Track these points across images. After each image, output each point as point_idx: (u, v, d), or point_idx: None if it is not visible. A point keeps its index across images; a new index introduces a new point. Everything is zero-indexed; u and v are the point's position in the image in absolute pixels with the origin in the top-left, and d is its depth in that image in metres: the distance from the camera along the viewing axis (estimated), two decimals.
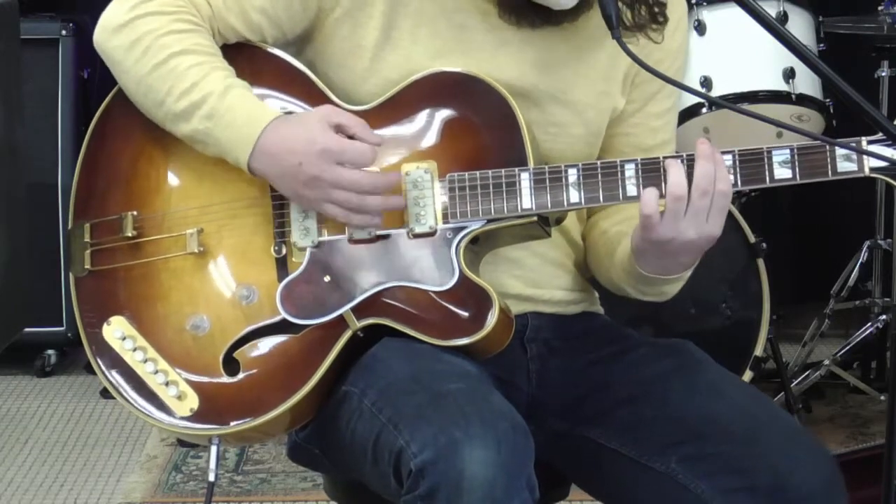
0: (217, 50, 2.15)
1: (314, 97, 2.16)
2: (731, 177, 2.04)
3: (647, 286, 2.18)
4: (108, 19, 2.16)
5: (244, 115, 2.08)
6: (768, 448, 2.05)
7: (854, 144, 2.04)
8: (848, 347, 4.35)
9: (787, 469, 2.03)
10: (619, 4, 2.11)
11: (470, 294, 2.07)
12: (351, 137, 2.08)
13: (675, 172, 2.03)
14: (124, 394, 2.13)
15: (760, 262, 3.88)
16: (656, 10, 2.17)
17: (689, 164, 2.04)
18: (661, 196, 2.04)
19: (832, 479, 2.06)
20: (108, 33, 2.15)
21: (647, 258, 2.10)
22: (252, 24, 2.16)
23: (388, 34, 2.16)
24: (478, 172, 2.10)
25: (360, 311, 2.09)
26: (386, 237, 2.11)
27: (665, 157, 2.06)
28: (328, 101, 2.15)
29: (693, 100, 3.90)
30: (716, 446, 2.07)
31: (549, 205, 2.09)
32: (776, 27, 2.00)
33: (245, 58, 2.18)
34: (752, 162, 2.06)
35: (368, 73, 2.16)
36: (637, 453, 2.14)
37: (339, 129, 2.07)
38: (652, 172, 2.06)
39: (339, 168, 2.06)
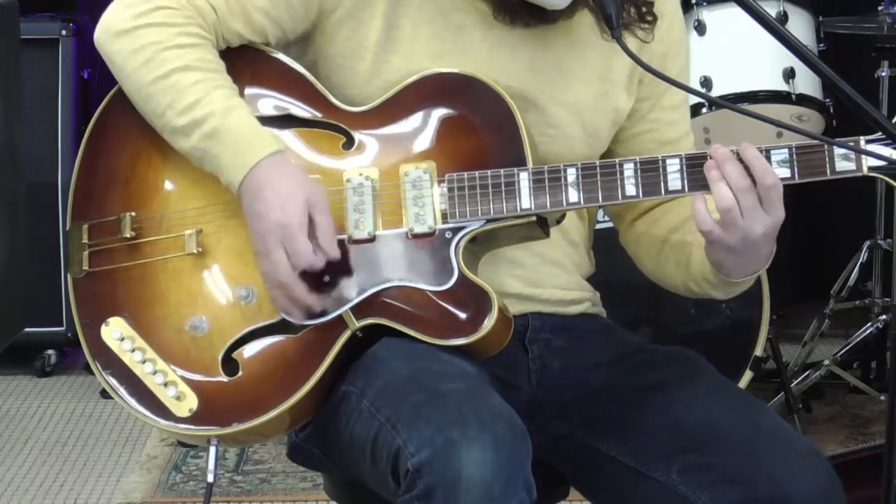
0: (221, 65, 2.14)
1: (313, 99, 2.16)
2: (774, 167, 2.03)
3: (737, 287, 2.16)
4: (110, 22, 2.15)
5: (244, 139, 2.08)
6: (768, 458, 2.05)
7: (852, 144, 2.04)
8: (848, 347, 4.35)
9: (787, 479, 2.03)
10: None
11: (469, 294, 2.07)
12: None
13: (718, 187, 2.01)
14: (123, 395, 2.13)
15: None
16: (644, 9, 2.17)
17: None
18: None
19: (831, 489, 2.06)
20: (109, 36, 2.15)
21: (728, 267, 2.09)
22: (255, 26, 2.16)
23: (389, 34, 2.16)
24: (477, 173, 2.10)
25: (359, 311, 2.09)
26: (384, 237, 2.11)
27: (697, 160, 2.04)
28: (327, 102, 2.15)
29: (693, 100, 3.89)
30: (716, 456, 2.07)
31: (548, 205, 2.09)
32: (776, 27, 2.00)
33: (245, 59, 2.18)
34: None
35: (370, 74, 2.16)
36: (637, 462, 2.13)
37: (310, 222, 2.07)
38: (651, 171, 2.06)
39: (279, 249, 2.06)
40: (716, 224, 2.02)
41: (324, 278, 2.10)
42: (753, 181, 2.02)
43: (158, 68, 2.11)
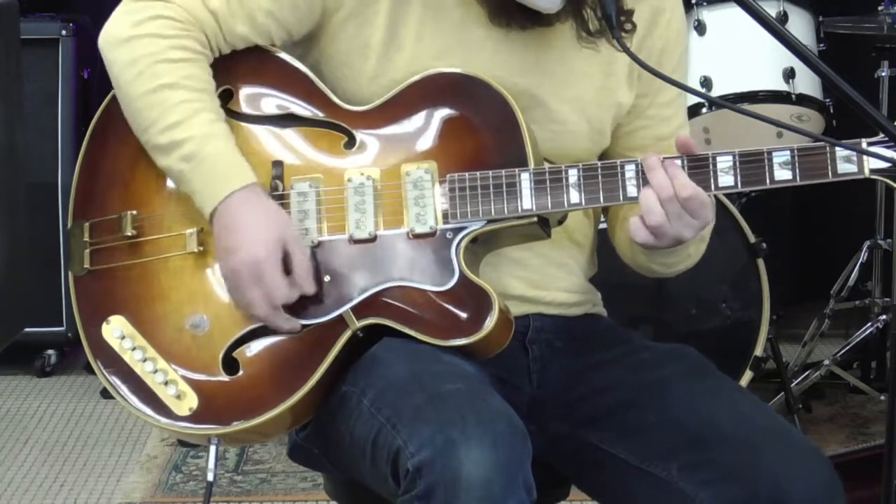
0: (210, 84, 2.14)
1: (315, 98, 2.16)
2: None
3: (670, 257, 2.20)
4: (113, 30, 2.16)
5: (218, 169, 2.09)
6: (769, 456, 2.05)
7: (854, 145, 2.04)
8: (848, 347, 4.35)
9: (787, 478, 2.03)
10: (588, 11, 2.12)
11: (470, 294, 2.07)
12: (288, 272, 2.08)
13: (645, 196, 2.05)
14: (123, 393, 2.13)
15: (760, 262, 3.88)
16: (623, 17, 2.15)
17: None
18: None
19: (831, 488, 2.05)
20: (110, 45, 2.15)
21: (659, 251, 2.15)
22: (260, 28, 2.16)
23: (393, 33, 2.16)
24: (478, 173, 2.10)
25: (359, 310, 2.09)
26: (385, 237, 2.11)
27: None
28: (329, 102, 2.15)
29: (693, 100, 3.90)
30: (717, 454, 2.07)
31: (550, 205, 2.09)
32: (776, 27, 2.00)
33: (248, 58, 2.18)
34: (752, 163, 2.06)
35: (375, 73, 2.16)
36: (638, 459, 2.13)
37: (286, 257, 2.07)
38: None
39: (254, 288, 2.06)
40: (649, 235, 2.06)
41: (324, 278, 2.10)
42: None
43: (148, 83, 2.11)
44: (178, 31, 2.12)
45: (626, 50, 2.05)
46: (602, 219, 2.36)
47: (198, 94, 2.12)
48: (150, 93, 2.11)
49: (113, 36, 2.15)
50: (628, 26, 2.15)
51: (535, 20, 2.14)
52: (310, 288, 2.08)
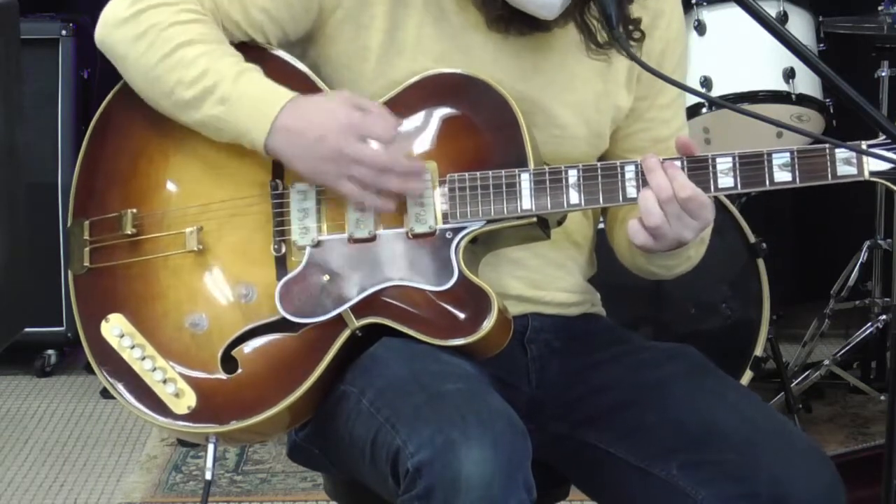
0: (223, 37, 2.14)
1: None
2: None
3: (670, 260, 2.19)
4: (109, 15, 2.16)
5: (259, 95, 2.08)
6: (769, 456, 2.05)
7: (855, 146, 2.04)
8: (848, 347, 4.35)
9: (788, 477, 2.03)
10: (594, 23, 2.13)
11: (469, 294, 2.07)
12: None
13: (643, 198, 2.05)
14: (121, 391, 2.13)
15: (760, 262, 3.88)
16: (630, 26, 2.16)
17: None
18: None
19: (832, 487, 2.05)
20: (110, 28, 2.15)
21: (659, 254, 2.14)
22: (254, 22, 2.16)
23: (392, 35, 2.16)
24: (478, 173, 2.10)
25: (358, 310, 2.09)
26: (385, 237, 2.11)
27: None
28: None
29: (693, 100, 3.90)
30: (717, 453, 2.07)
31: (549, 206, 2.09)
32: (776, 27, 2.00)
33: (247, 57, 2.17)
34: (752, 165, 2.06)
35: (375, 74, 2.16)
36: (637, 458, 2.13)
37: (359, 108, 2.08)
38: None
39: (362, 144, 2.06)
40: (648, 237, 2.06)
41: (324, 277, 2.10)
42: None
43: (163, 46, 2.11)
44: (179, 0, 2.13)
45: (628, 51, 2.05)
46: (601, 219, 2.36)
47: (215, 45, 2.12)
48: (168, 55, 2.10)
49: (112, 19, 2.15)
50: (637, 35, 2.16)
51: (534, 26, 2.14)
52: (393, 118, 2.07)
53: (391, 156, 2.07)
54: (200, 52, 2.10)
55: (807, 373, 4.32)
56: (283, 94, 2.09)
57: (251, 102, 2.08)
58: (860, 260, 4.45)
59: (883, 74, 4.28)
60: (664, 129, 2.27)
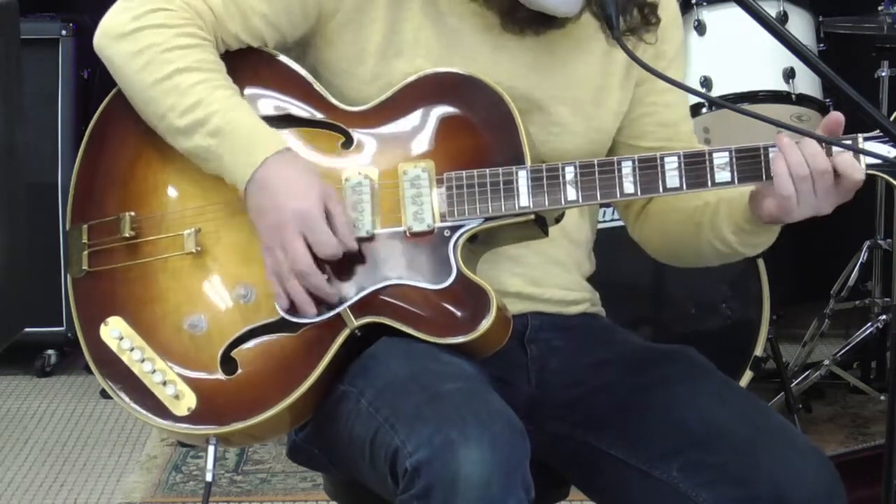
0: (221, 66, 2.14)
1: (312, 99, 2.16)
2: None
3: (769, 237, 2.18)
4: (110, 26, 2.15)
5: (249, 138, 2.08)
6: (769, 458, 2.05)
7: (850, 142, 2.04)
8: (848, 347, 4.35)
9: (788, 479, 2.03)
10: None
11: (467, 292, 2.07)
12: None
13: (779, 166, 2.02)
14: (121, 394, 2.14)
15: (760, 262, 3.88)
16: (647, 10, 2.17)
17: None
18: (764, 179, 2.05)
19: (832, 488, 2.05)
20: (109, 39, 2.15)
21: (777, 216, 2.11)
22: (253, 30, 2.16)
23: (391, 38, 2.16)
24: (475, 171, 2.10)
25: (357, 309, 2.09)
26: (383, 236, 2.11)
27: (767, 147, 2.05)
28: (326, 102, 2.16)
29: (693, 100, 3.90)
30: (717, 455, 2.07)
31: (547, 203, 2.09)
32: (776, 27, 2.00)
33: (245, 60, 2.18)
34: (748, 159, 2.06)
35: (373, 75, 2.16)
36: (637, 460, 2.13)
37: (327, 213, 2.07)
38: (649, 169, 2.06)
39: (299, 238, 2.06)
40: (794, 193, 2.03)
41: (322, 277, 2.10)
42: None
43: (159, 70, 2.11)
44: (182, 21, 2.13)
45: (628, 51, 2.05)
46: (601, 218, 2.36)
47: (212, 74, 2.12)
48: (164, 79, 2.10)
49: (112, 31, 2.15)
50: (653, 20, 2.16)
51: (549, 25, 2.14)
52: (352, 244, 2.07)
53: (310, 269, 2.06)
54: (196, 80, 2.10)
55: (807, 373, 4.32)
56: (270, 142, 2.08)
57: (239, 143, 2.08)
58: (860, 260, 4.45)
59: (883, 74, 4.28)
60: (669, 114, 2.27)
